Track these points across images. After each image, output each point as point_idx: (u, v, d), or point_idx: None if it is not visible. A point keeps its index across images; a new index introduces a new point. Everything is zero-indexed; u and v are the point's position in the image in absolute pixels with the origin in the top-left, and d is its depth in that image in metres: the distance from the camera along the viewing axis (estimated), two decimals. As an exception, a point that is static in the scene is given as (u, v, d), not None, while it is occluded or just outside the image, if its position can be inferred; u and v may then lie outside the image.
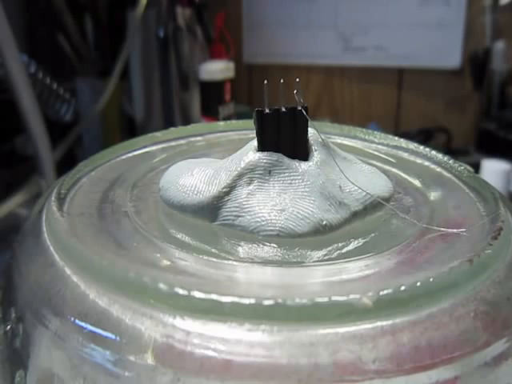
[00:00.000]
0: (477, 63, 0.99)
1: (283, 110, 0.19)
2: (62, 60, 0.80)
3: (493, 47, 0.98)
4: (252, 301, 0.13)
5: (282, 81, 0.19)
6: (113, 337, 0.14)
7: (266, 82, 0.21)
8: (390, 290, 0.14)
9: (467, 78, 0.99)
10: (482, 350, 0.14)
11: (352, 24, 1.01)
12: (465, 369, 0.14)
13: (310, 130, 0.20)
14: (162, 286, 0.14)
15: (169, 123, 0.85)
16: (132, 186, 0.22)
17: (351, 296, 0.13)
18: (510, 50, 0.98)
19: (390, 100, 1.03)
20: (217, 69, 0.89)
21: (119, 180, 0.22)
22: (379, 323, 0.14)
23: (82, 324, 0.14)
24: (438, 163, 0.24)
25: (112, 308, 0.14)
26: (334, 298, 0.13)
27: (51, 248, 0.17)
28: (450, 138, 0.98)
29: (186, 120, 0.88)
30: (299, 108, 0.19)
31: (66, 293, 0.15)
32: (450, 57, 0.98)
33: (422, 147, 0.26)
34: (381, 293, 0.14)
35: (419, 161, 0.25)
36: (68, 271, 0.16)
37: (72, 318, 0.14)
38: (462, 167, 0.24)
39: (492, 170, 0.63)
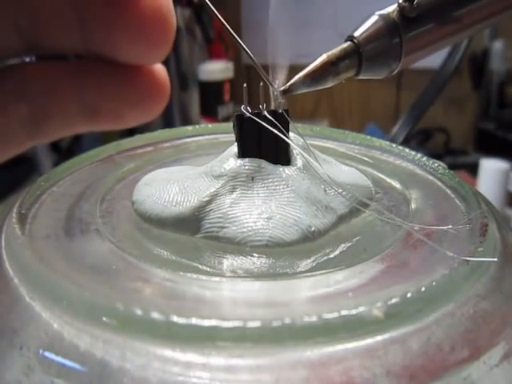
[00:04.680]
0: (475, 63, 1.00)
1: (264, 113, 0.19)
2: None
3: (491, 47, 0.99)
4: (258, 323, 0.12)
5: (261, 84, 0.19)
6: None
7: (245, 85, 0.20)
8: (397, 299, 0.13)
9: (466, 78, 0.99)
10: (487, 348, 0.14)
11: (351, 24, 1.01)
12: (473, 370, 0.13)
13: (290, 134, 0.19)
14: (155, 315, 0.13)
15: (168, 123, 0.85)
16: (100, 200, 0.20)
17: (360, 309, 0.13)
18: (509, 49, 0.99)
19: (389, 100, 1.03)
20: (216, 69, 0.90)
21: (85, 194, 0.20)
22: (388, 334, 0.13)
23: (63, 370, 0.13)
24: (412, 161, 0.24)
25: (95, 348, 0.13)
26: (344, 312, 0.13)
27: (15, 280, 0.15)
28: (448, 137, 0.99)
29: (186, 120, 0.88)
30: (280, 111, 0.19)
31: (39, 334, 0.13)
32: (449, 57, 0.98)
33: (394, 145, 0.26)
34: (389, 302, 0.13)
35: (393, 159, 0.25)
36: (38, 307, 0.14)
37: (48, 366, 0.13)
38: (436, 164, 0.23)
39: (491, 169, 0.63)
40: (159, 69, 0.16)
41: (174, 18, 0.14)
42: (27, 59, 0.15)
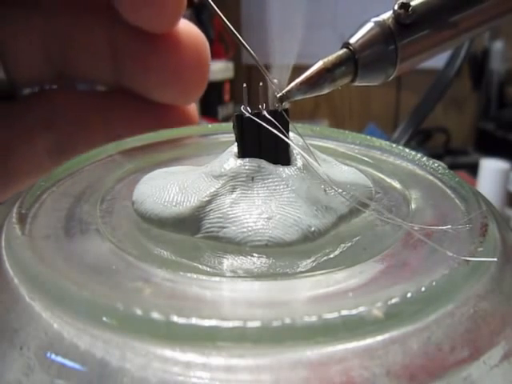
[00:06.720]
0: (475, 63, 1.00)
1: (264, 113, 0.19)
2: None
3: (491, 47, 0.99)
4: (258, 323, 0.12)
5: (260, 84, 0.19)
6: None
7: (245, 85, 0.20)
8: (397, 299, 0.13)
9: (466, 79, 0.99)
10: (487, 348, 0.14)
11: (351, 24, 1.01)
12: (473, 370, 0.13)
13: (290, 134, 0.19)
14: (155, 315, 0.13)
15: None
16: (100, 200, 0.20)
17: (360, 309, 0.13)
18: (509, 49, 0.99)
19: (389, 100, 1.03)
20: (216, 69, 0.90)
21: (85, 194, 0.20)
22: (388, 334, 0.13)
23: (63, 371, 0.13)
24: (412, 161, 0.24)
25: (95, 348, 0.13)
26: (344, 312, 0.13)
27: (15, 280, 0.15)
28: (448, 137, 0.99)
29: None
30: (280, 110, 0.19)
31: (39, 334, 0.13)
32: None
33: (394, 145, 0.26)
34: (389, 302, 0.13)
35: (393, 159, 0.25)
36: (38, 307, 0.14)
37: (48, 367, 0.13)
38: (436, 164, 0.23)
39: (491, 169, 0.63)
40: (190, 108, 0.15)
41: (210, 59, 0.14)
42: (54, 87, 0.15)
